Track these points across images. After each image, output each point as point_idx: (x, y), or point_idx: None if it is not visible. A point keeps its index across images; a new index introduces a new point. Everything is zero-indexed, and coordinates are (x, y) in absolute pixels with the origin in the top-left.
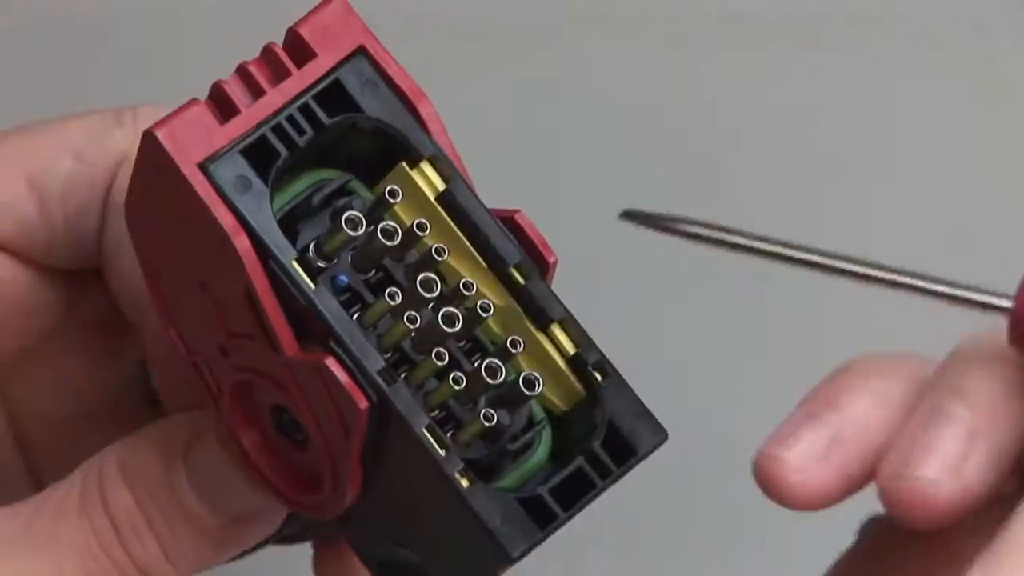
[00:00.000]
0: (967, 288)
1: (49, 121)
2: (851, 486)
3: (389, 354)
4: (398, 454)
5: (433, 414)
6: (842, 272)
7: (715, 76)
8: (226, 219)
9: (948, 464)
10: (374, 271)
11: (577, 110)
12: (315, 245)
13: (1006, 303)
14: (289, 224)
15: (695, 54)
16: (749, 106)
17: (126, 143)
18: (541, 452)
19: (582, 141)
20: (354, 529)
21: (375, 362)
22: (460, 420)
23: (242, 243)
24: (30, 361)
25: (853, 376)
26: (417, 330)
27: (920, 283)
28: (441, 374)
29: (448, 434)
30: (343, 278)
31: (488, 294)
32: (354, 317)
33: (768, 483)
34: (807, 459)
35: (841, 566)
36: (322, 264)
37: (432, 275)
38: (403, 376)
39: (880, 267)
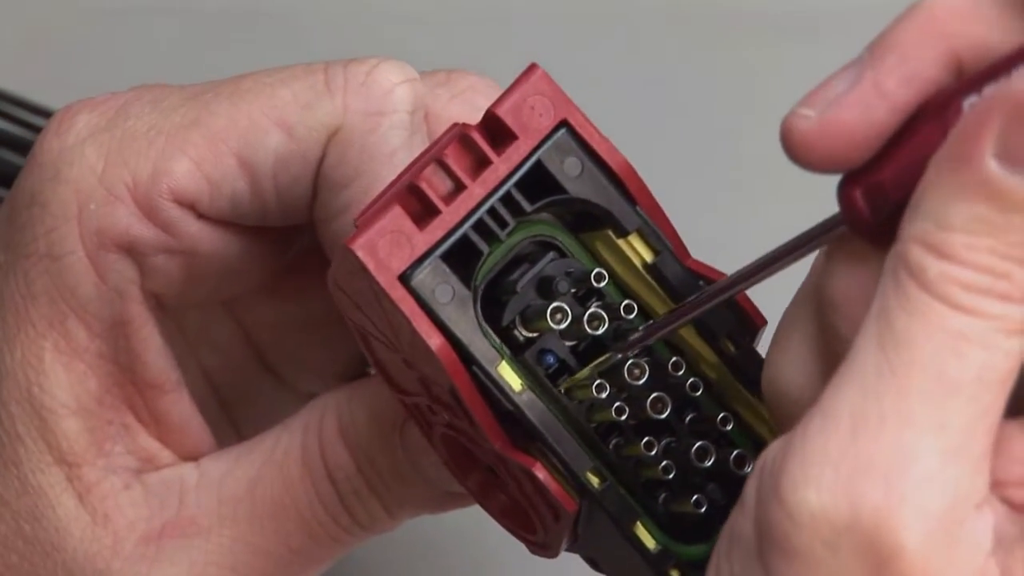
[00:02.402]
0: (803, 238)
1: (255, 78)
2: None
3: (598, 425)
4: (609, 530)
5: (645, 480)
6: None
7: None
8: (430, 333)
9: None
10: (582, 340)
11: None
12: (521, 318)
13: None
14: (496, 291)
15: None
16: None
17: (336, 115)
18: None
19: None
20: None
21: (584, 463)
22: (673, 488)
23: (447, 356)
24: (256, 294)
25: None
26: (627, 417)
27: (764, 271)
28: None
29: (661, 497)
30: (550, 358)
31: (702, 360)
32: (562, 389)
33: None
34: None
35: None
36: (529, 335)
37: (642, 362)
38: (615, 444)
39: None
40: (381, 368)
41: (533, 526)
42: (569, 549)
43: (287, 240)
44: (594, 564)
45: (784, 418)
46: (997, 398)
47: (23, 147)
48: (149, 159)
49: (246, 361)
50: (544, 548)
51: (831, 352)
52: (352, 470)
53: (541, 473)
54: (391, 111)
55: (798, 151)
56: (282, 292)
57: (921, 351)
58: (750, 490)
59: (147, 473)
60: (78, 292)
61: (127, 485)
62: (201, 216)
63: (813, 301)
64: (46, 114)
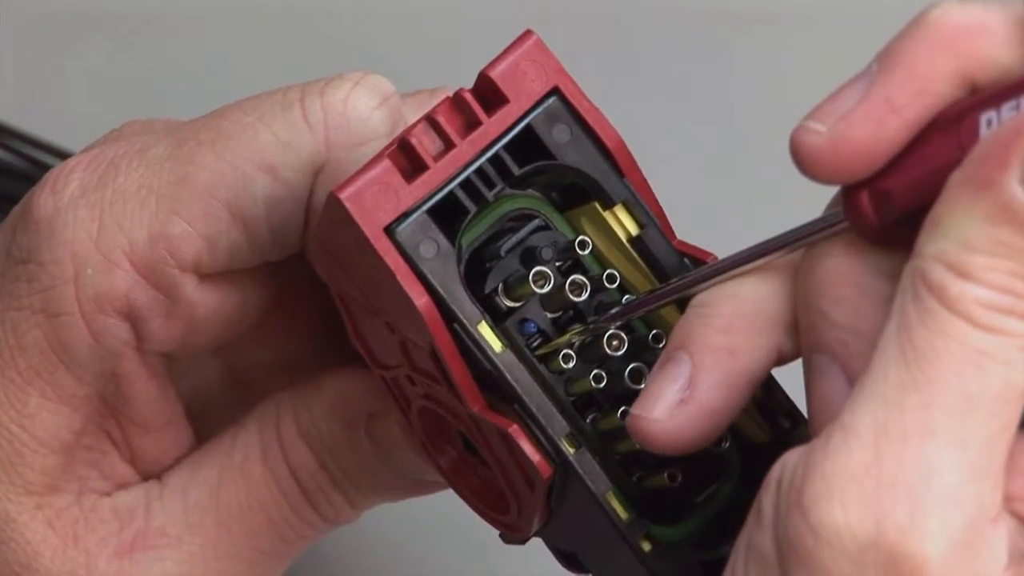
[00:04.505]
0: (801, 231)
1: (234, 118)
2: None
3: (575, 397)
4: (582, 502)
5: (619, 456)
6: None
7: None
8: (411, 286)
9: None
10: (564, 310)
11: None
12: (504, 286)
13: (840, 217)
14: (480, 260)
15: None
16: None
17: (319, 154)
18: (725, 494)
19: None
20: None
21: (560, 427)
22: (647, 463)
23: (427, 310)
24: (245, 337)
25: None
26: (604, 386)
27: (766, 257)
28: None
29: (635, 477)
30: (532, 326)
31: None
32: (540, 358)
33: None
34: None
35: None
36: (511, 304)
37: (621, 333)
38: (591, 419)
39: (725, 265)
40: (363, 343)
41: (506, 505)
42: (540, 532)
43: (277, 274)
44: (563, 557)
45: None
46: (1015, 414)
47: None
48: (143, 223)
49: (228, 397)
50: (516, 529)
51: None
52: (315, 467)
53: (517, 434)
54: (371, 139)
55: (809, 166)
56: (269, 334)
57: (944, 367)
58: (767, 503)
59: (116, 493)
60: (71, 350)
61: (96, 506)
62: (202, 276)
63: (786, 271)
64: (24, 138)
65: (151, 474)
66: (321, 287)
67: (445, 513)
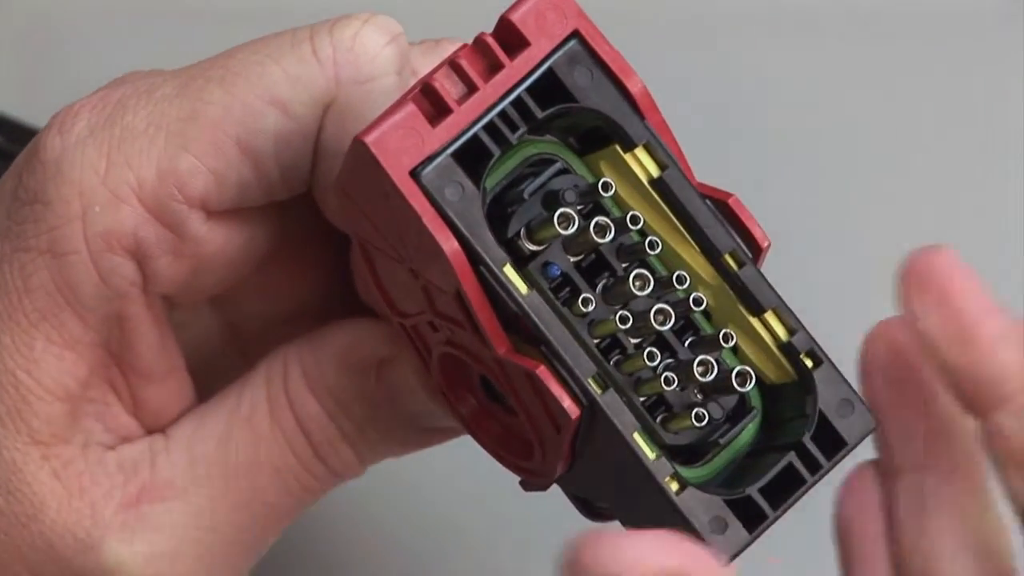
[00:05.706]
0: None
1: (243, 56)
2: None
3: (599, 340)
4: (608, 443)
5: (643, 399)
6: None
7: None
8: (438, 229)
9: None
10: (587, 254)
11: None
12: (526, 230)
13: None
14: (501, 205)
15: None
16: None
17: (329, 89)
18: (748, 435)
19: None
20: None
21: (587, 368)
22: (671, 406)
23: (454, 253)
24: (244, 286)
25: None
26: (628, 328)
27: None
28: (653, 366)
29: (658, 418)
30: (555, 269)
31: (701, 281)
32: (563, 301)
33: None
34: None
35: None
36: (534, 247)
37: (645, 272)
38: (615, 361)
39: None
40: (382, 290)
41: (529, 451)
42: (561, 479)
43: (282, 216)
44: (582, 504)
45: None
46: None
47: None
48: (152, 158)
49: (227, 351)
50: (539, 475)
51: None
52: (323, 420)
53: (544, 374)
54: (380, 75)
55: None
56: (271, 284)
57: None
58: None
59: (120, 447)
60: (78, 290)
61: (101, 459)
62: (210, 213)
63: None
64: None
65: (154, 428)
66: (324, 235)
67: (446, 510)
